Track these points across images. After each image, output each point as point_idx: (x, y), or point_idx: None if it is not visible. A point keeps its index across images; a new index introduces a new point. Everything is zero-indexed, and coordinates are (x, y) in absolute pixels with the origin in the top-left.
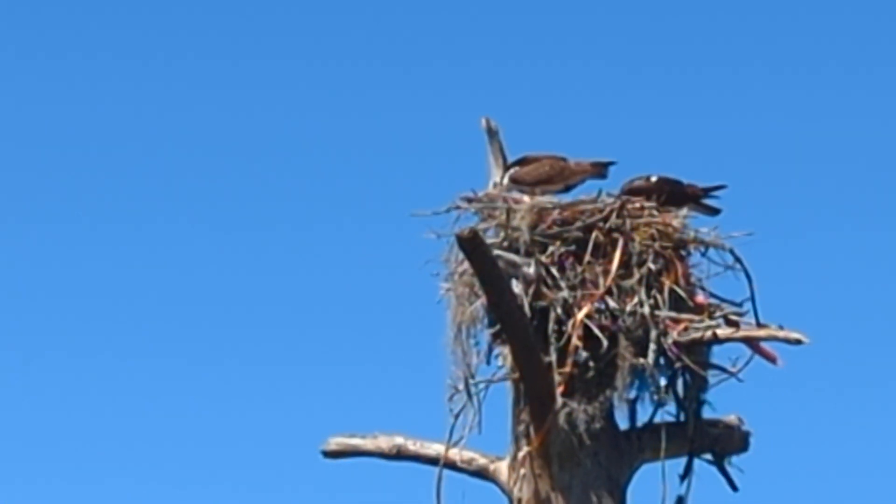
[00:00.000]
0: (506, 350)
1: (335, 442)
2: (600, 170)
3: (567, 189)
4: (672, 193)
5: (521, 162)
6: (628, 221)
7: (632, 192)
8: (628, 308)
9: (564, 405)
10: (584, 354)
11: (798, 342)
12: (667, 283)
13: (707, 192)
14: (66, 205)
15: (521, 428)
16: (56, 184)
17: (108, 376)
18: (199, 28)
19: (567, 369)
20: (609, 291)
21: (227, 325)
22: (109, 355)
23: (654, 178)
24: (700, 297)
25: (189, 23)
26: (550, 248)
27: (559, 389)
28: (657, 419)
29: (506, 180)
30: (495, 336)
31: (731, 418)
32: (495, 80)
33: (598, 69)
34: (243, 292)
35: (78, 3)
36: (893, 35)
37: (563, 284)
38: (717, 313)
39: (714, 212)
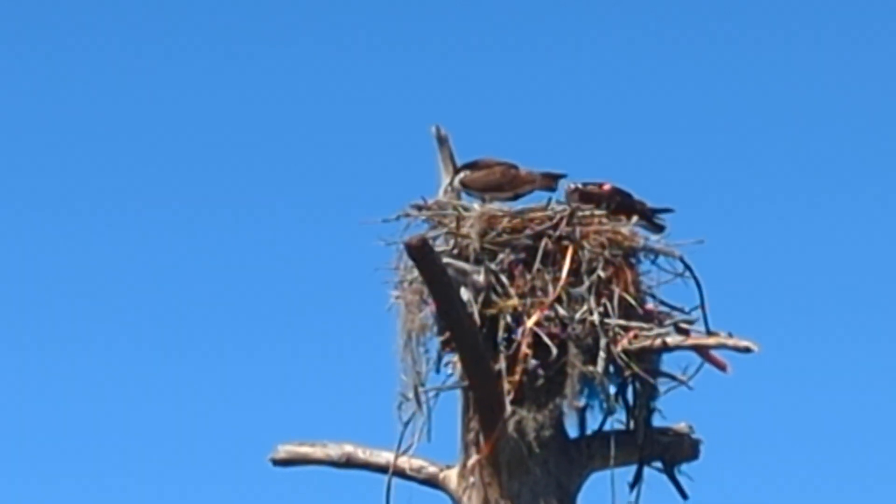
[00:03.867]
0: (455, 358)
1: (284, 450)
2: (550, 182)
3: (516, 197)
4: (622, 204)
5: (473, 166)
6: (578, 229)
7: (583, 197)
8: (578, 316)
9: (514, 413)
10: (533, 362)
11: (747, 350)
12: (616, 291)
13: (655, 212)
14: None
15: (471, 436)
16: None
17: (50, 378)
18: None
19: (516, 377)
20: (558, 299)
21: (176, 331)
22: (51, 359)
23: (606, 186)
24: (650, 305)
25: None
26: (500, 256)
27: (508, 397)
28: (607, 427)
29: (456, 182)
30: (445, 344)
31: (681, 426)
32: (445, 87)
33: (550, 80)
34: (193, 298)
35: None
36: (834, 39)
37: (512, 292)
38: (667, 321)
39: (660, 229)
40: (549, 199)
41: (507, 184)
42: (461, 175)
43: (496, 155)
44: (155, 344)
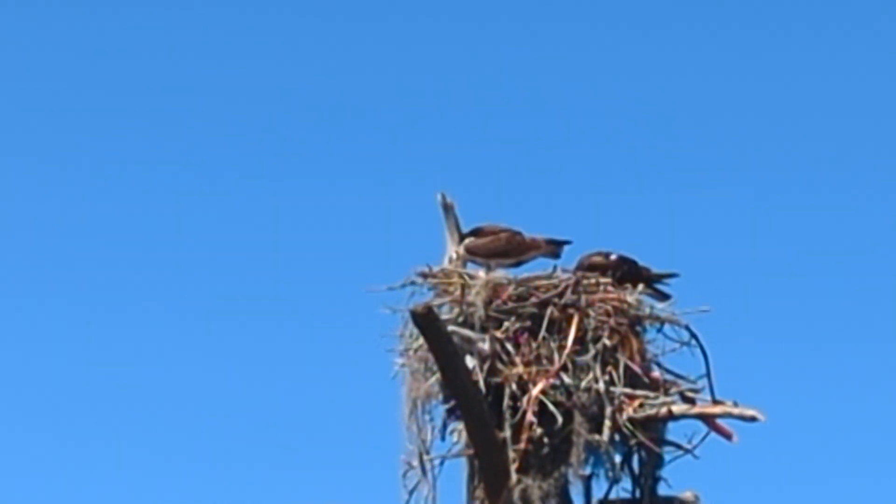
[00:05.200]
0: (460, 426)
1: None
2: (555, 249)
3: (519, 264)
4: (627, 273)
5: (477, 233)
6: (583, 297)
7: (589, 267)
8: (583, 384)
9: (519, 481)
10: (538, 431)
11: (753, 419)
12: (622, 360)
13: (661, 278)
14: None
15: None
16: None
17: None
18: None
19: (522, 445)
20: (564, 367)
21: (182, 397)
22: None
23: (613, 256)
24: (655, 374)
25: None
26: (505, 324)
27: (514, 466)
28: (612, 496)
29: (461, 248)
30: (450, 412)
31: (687, 495)
32: (450, 155)
33: (555, 146)
34: (200, 369)
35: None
36: (832, 115)
37: (517, 360)
38: (673, 389)
39: (665, 297)
40: (555, 267)
41: (513, 250)
42: (466, 242)
43: (500, 221)
44: (160, 421)
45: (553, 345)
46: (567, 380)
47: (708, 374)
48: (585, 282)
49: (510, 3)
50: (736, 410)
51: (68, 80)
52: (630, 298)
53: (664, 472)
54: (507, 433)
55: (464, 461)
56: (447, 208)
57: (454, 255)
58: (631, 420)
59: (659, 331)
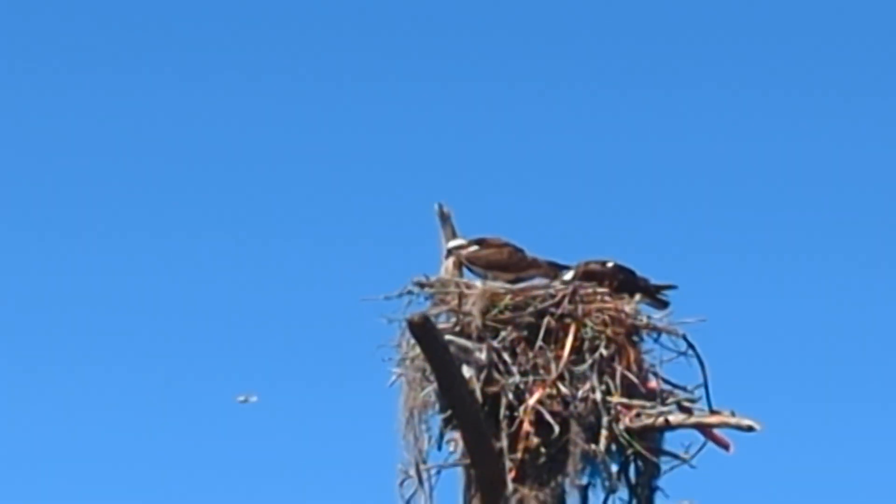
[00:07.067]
0: (457, 435)
1: None
2: (554, 272)
3: (517, 280)
4: (625, 282)
5: (481, 243)
6: (580, 307)
7: (586, 275)
8: (580, 394)
9: (516, 491)
10: (535, 440)
11: (750, 429)
12: (619, 369)
13: (659, 289)
14: None
15: None
16: None
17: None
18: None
19: (518, 455)
20: (561, 377)
21: (177, 404)
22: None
23: (609, 265)
24: (652, 383)
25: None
26: (502, 334)
27: (510, 475)
28: None
29: (463, 252)
30: (447, 421)
31: None
32: (448, 166)
33: (552, 157)
34: (194, 375)
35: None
36: (832, 124)
37: (514, 370)
38: (670, 399)
39: (663, 305)
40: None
41: (513, 265)
42: (470, 249)
43: (501, 235)
44: (155, 420)
45: (550, 354)
46: (564, 389)
47: (705, 384)
48: (582, 291)
49: (510, 3)
50: (733, 420)
51: None
52: (627, 308)
53: (661, 482)
54: (504, 443)
55: (460, 471)
56: (444, 218)
57: (450, 247)
58: (628, 430)
59: (656, 341)
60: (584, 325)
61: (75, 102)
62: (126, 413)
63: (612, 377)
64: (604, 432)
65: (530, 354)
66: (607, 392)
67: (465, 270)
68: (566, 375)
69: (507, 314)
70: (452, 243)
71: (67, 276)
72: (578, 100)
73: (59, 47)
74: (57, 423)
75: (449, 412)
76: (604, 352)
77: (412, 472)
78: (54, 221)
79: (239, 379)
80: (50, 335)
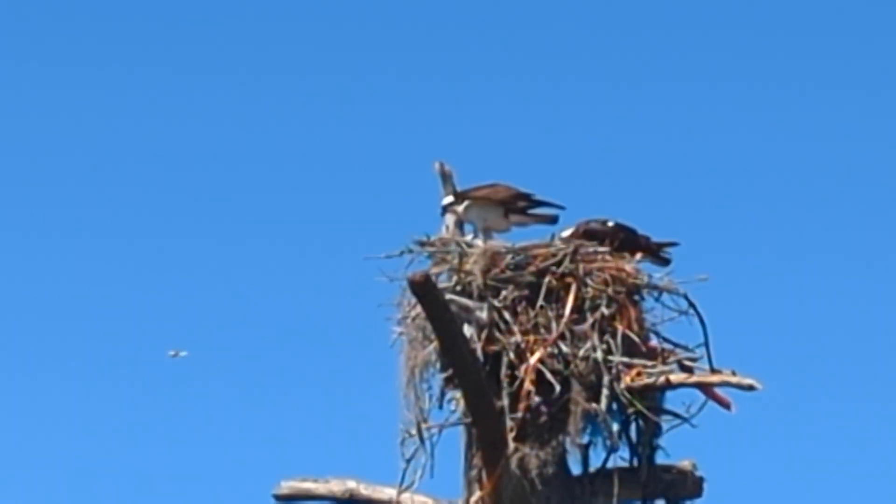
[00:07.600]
0: (458, 395)
1: (287, 486)
2: (550, 217)
3: (507, 214)
4: (626, 241)
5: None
6: (581, 266)
7: (586, 234)
8: (581, 353)
9: (517, 450)
10: (536, 399)
11: (751, 388)
12: (620, 328)
13: (660, 247)
14: None
15: (474, 473)
16: None
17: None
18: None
19: (519, 414)
20: (562, 336)
21: (180, 367)
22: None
23: (610, 223)
24: (653, 343)
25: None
26: (503, 293)
27: (511, 434)
28: (610, 464)
29: (460, 208)
30: (448, 380)
31: (685, 464)
32: (449, 123)
33: (553, 115)
34: (198, 334)
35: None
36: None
37: (515, 329)
38: (671, 358)
39: (665, 262)
40: (553, 235)
41: (507, 201)
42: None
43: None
44: (159, 380)
45: (551, 314)
46: (565, 349)
47: (706, 343)
48: (583, 250)
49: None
50: (734, 379)
51: None
52: (628, 267)
53: (662, 441)
54: (505, 402)
55: (461, 430)
56: (445, 176)
57: (445, 203)
58: (629, 389)
59: (657, 300)
60: (585, 285)
61: (75, 102)
62: (126, 413)
63: (613, 336)
64: (605, 391)
65: (531, 313)
66: (608, 351)
67: (466, 227)
68: (567, 335)
69: (508, 274)
70: (446, 200)
71: (67, 276)
72: (580, 51)
73: (59, 47)
74: (57, 423)
75: (450, 371)
76: (605, 311)
77: (413, 431)
78: (54, 221)
79: (239, 337)
80: (50, 335)
